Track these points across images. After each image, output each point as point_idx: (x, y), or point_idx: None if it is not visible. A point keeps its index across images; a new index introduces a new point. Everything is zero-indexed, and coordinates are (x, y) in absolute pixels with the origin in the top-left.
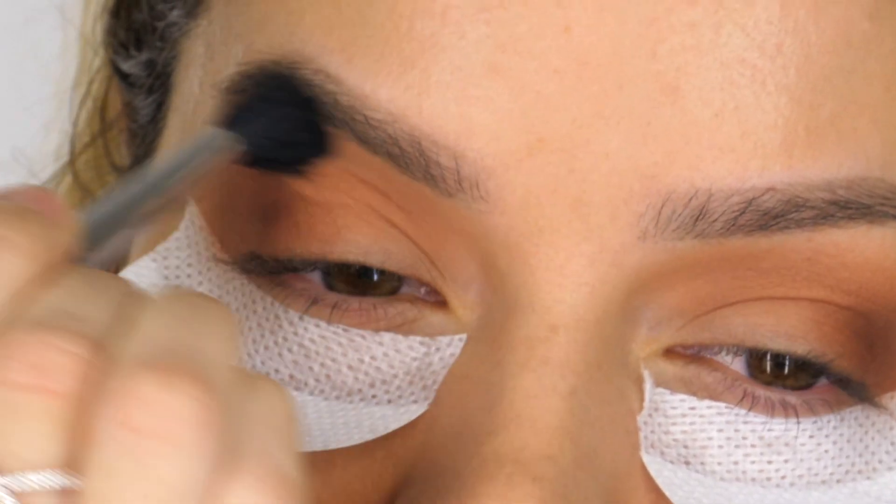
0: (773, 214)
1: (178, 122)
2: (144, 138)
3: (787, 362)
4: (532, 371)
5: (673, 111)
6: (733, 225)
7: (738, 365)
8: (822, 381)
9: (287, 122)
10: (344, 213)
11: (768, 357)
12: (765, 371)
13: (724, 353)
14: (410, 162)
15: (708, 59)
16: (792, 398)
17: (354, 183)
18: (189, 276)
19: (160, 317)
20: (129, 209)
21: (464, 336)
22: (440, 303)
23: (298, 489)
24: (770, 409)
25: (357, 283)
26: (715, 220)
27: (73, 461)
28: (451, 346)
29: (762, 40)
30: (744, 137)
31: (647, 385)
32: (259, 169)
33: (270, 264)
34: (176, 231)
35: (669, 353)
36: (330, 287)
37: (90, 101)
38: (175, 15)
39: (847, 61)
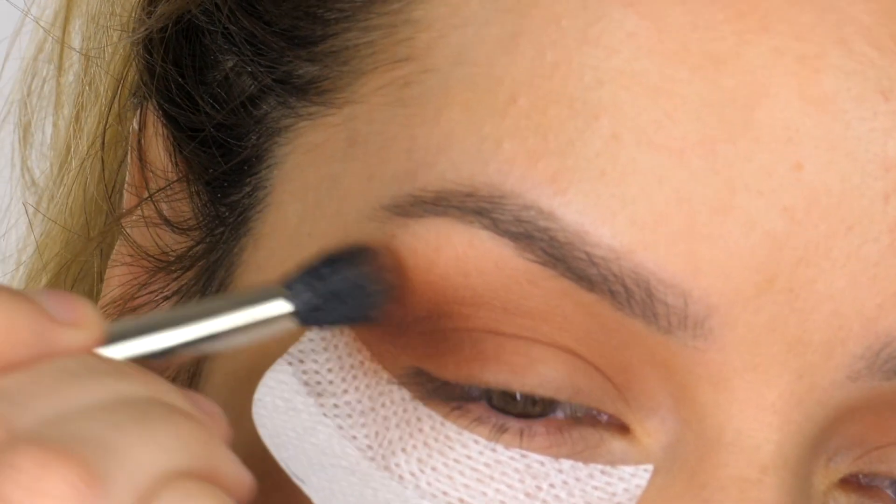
0: None
1: (296, 207)
2: (217, 195)
3: None
4: None
5: None
6: None
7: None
8: None
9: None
10: (536, 344)
11: None
12: None
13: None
14: (633, 300)
15: None
16: None
17: (553, 318)
18: (331, 382)
19: (95, 409)
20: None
21: (650, 466)
22: (622, 427)
23: None
24: None
25: (515, 401)
26: None
27: None
28: (636, 477)
29: None
30: None
31: None
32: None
33: (450, 388)
34: (308, 330)
35: (844, 483)
36: (489, 403)
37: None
38: (281, 90)
39: None
